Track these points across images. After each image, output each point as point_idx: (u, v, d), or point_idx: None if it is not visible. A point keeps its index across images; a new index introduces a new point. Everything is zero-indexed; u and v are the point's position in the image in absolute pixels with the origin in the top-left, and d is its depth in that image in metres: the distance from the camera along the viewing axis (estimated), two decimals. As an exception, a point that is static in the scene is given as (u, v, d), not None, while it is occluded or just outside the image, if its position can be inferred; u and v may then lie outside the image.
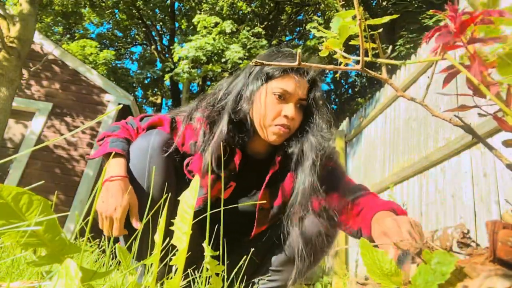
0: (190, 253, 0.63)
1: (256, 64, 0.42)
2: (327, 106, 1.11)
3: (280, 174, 1.08)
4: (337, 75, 0.59)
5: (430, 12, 0.46)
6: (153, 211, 0.64)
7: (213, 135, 1.02)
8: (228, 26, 9.89)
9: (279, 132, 1.02)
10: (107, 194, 0.90)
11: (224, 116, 1.03)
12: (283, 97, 1.02)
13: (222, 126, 1.02)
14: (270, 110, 1.02)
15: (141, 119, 1.12)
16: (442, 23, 0.41)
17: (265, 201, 1.07)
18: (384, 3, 10.47)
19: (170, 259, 0.44)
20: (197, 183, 0.52)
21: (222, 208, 0.49)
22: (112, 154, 0.94)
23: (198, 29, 10.21)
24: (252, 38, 10.29)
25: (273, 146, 1.10)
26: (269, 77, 1.03)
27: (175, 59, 9.77)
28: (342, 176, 1.13)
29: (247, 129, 1.06)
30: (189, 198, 0.50)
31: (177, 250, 0.45)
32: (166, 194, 0.93)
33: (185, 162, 1.04)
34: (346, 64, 0.47)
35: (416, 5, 8.79)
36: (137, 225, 0.90)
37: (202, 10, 12.34)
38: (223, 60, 9.65)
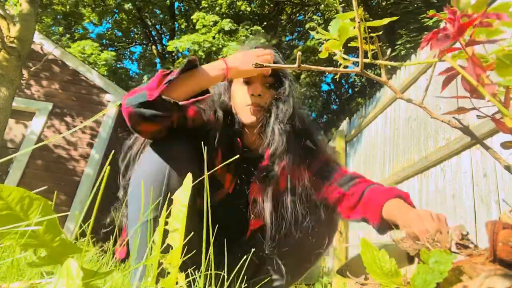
0: (191, 252, 0.63)
1: (256, 67, 0.42)
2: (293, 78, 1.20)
3: (271, 167, 1.09)
4: (337, 76, 0.59)
5: (431, 11, 0.46)
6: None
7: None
8: (227, 24, 9.90)
9: (250, 111, 1.09)
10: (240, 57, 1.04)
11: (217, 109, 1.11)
12: (247, 81, 1.11)
13: (218, 113, 1.08)
14: (239, 95, 1.11)
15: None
16: (442, 23, 0.41)
17: (255, 194, 1.08)
18: (384, 3, 10.46)
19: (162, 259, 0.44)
20: (189, 183, 0.51)
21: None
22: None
23: (197, 27, 10.20)
24: (251, 36, 10.29)
25: (261, 137, 1.12)
26: None
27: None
28: (332, 165, 1.15)
29: (235, 122, 1.12)
30: (183, 197, 0.50)
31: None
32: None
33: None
34: (346, 66, 0.47)
35: (415, 5, 8.78)
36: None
37: (202, 8, 12.33)
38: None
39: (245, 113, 1.10)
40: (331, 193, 1.08)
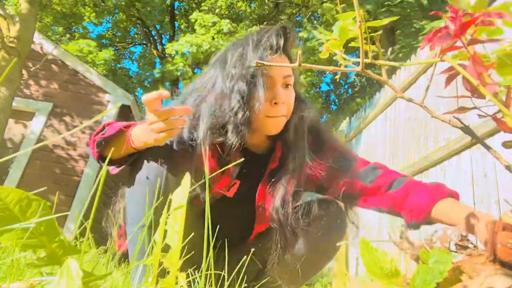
0: (191, 252, 0.63)
1: (257, 65, 0.42)
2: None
3: (281, 169, 1.01)
4: (337, 76, 0.58)
5: (424, 23, 0.46)
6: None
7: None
8: (226, 25, 9.90)
9: (271, 124, 0.95)
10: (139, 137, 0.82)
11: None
12: (265, 84, 0.92)
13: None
14: (257, 100, 0.92)
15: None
16: (431, 32, 0.41)
17: (262, 198, 1.01)
18: (383, 3, 10.48)
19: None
20: (188, 181, 0.51)
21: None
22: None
23: (195, 27, 10.21)
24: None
25: (271, 137, 1.05)
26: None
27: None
28: (348, 156, 1.06)
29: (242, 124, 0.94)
30: (181, 196, 0.49)
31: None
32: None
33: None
34: (346, 66, 0.47)
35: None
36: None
37: (202, 10, 12.33)
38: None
39: (264, 125, 0.95)
40: (351, 187, 0.98)
